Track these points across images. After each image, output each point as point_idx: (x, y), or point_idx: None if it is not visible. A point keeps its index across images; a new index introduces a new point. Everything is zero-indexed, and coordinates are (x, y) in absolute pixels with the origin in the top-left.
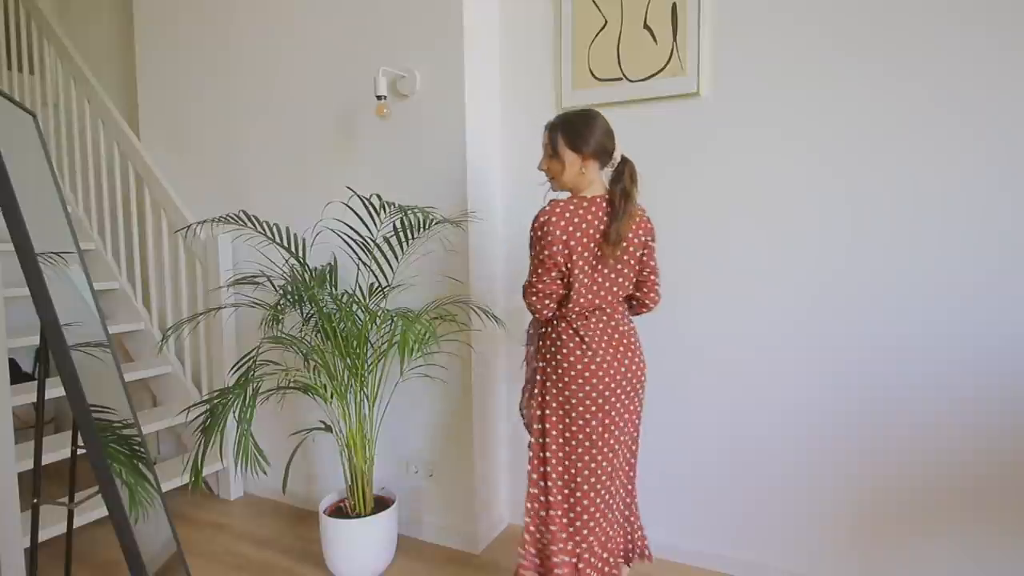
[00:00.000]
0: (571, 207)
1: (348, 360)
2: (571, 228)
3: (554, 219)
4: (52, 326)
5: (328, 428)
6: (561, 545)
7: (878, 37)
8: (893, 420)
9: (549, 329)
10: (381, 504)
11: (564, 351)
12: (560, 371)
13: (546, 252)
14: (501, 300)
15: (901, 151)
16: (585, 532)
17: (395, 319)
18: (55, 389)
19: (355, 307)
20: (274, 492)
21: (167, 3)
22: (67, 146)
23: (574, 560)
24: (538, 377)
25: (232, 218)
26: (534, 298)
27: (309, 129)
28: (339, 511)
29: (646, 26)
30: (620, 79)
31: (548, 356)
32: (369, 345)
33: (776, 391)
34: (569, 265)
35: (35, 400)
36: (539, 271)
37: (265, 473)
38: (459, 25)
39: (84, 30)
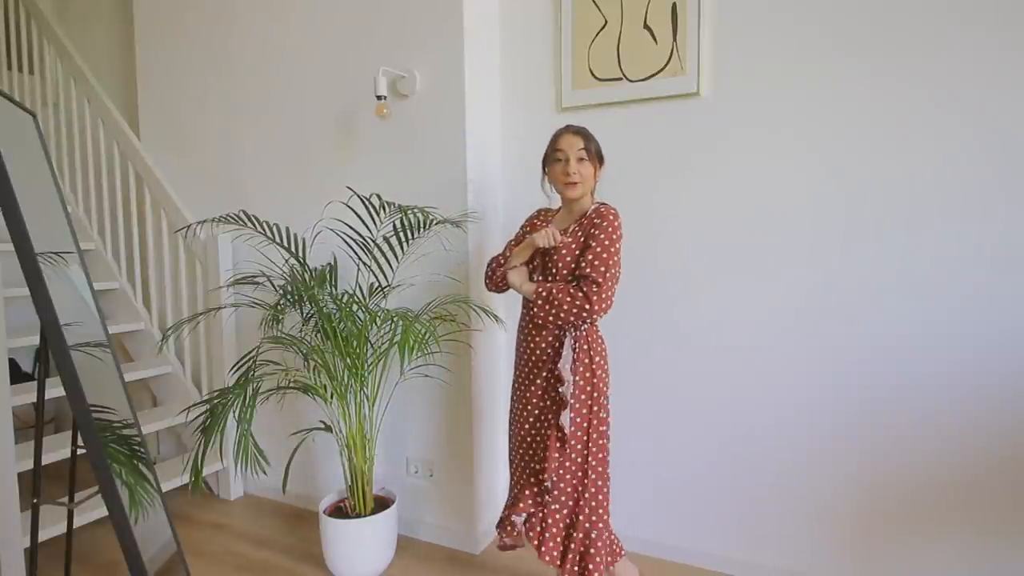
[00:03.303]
0: None
1: (348, 360)
2: None
3: None
4: (52, 326)
5: (328, 428)
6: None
7: (878, 37)
8: (892, 420)
9: (585, 331)
10: (381, 504)
11: (604, 349)
12: (603, 364)
13: (620, 248)
14: (500, 300)
15: (901, 151)
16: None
17: (395, 319)
18: (55, 389)
19: (355, 307)
20: (274, 492)
21: (167, 3)
22: (67, 146)
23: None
24: (576, 390)
25: (232, 218)
26: (613, 295)
27: (309, 129)
28: (339, 511)
29: (646, 26)
30: (620, 79)
31: (593, 353)
32: (369, 345)
33: (776, 391)
34: None
35: (35, 400)
36: (617, 266)
37: (265, 473)
38: (459, 25)
39: (84, 30)
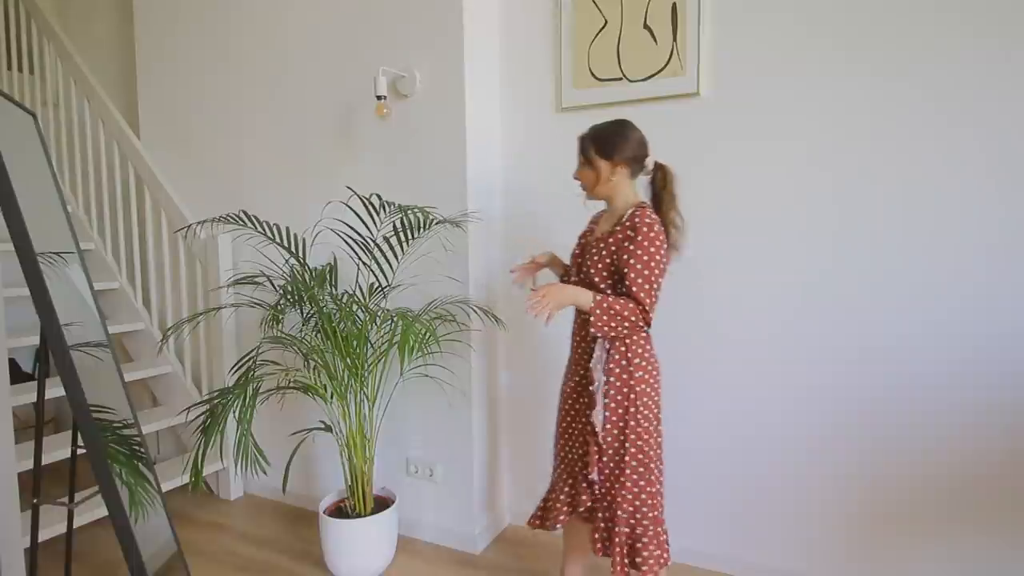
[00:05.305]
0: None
1: (348, 360)
2: None
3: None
4: (52, 326)
5: (328, 428)
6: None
7: (877, 38)
8: (892, 420)
9: (629, 340)
10: (381, 504)
11: (650, 356)
12: (647, 368)
13: (664, 254)
14: (501, 300)
15: (900, 151)
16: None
17: (395, 319)
18: (55, 389)
19: (355, 307)
20: (274, 492)
21: (167, 3)
22: (67, 146)
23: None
24: (612, 390)
25: (232, 218)
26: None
27: (309, 129)
28: (339, 511)
29: (646, 26)
30: (620, 79)
31: (632, 356)
32: (369, 345)
33: (775, 391)
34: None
35: (35, 400)
36: (660, 275)
37: (265, 473)
38: (459, 25)
39: (84, 30)
